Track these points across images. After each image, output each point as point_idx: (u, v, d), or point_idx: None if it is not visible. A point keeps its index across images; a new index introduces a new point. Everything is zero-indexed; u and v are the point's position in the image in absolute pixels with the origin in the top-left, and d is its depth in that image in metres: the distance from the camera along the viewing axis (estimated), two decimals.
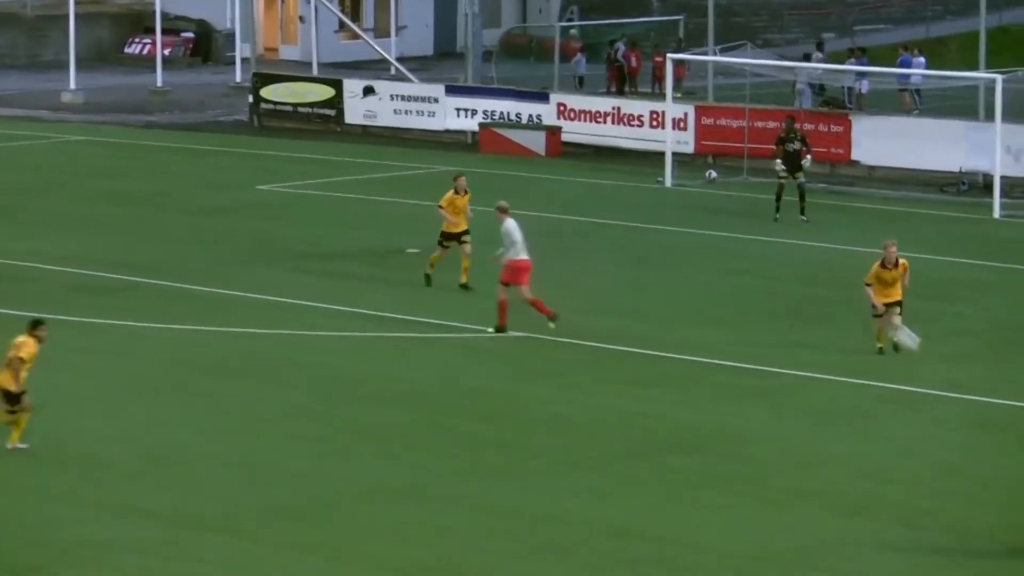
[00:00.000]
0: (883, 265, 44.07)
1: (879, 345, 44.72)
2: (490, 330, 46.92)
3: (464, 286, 50.57)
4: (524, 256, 47.21)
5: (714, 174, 69.87)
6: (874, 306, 44.11)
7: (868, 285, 44.22)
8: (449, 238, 51.13)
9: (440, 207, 51.32)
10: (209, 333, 47.10)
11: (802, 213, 62.58)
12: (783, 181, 62.80)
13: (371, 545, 32.53)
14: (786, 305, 52.00)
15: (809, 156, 63.59)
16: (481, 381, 43.79)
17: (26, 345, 36.81)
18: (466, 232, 51.03)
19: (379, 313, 48.77)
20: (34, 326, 37.30)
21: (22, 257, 54.46)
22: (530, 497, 35.06)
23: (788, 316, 50.78)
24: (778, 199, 62.88)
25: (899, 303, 44.01)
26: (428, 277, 50.98)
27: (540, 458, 37.37)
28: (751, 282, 54.77)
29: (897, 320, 43.11)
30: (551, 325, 46.95)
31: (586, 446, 38.73)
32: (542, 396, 42.51)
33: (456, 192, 51.14)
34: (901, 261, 44.35)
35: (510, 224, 47.72)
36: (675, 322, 49.01)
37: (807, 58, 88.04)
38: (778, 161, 63.14)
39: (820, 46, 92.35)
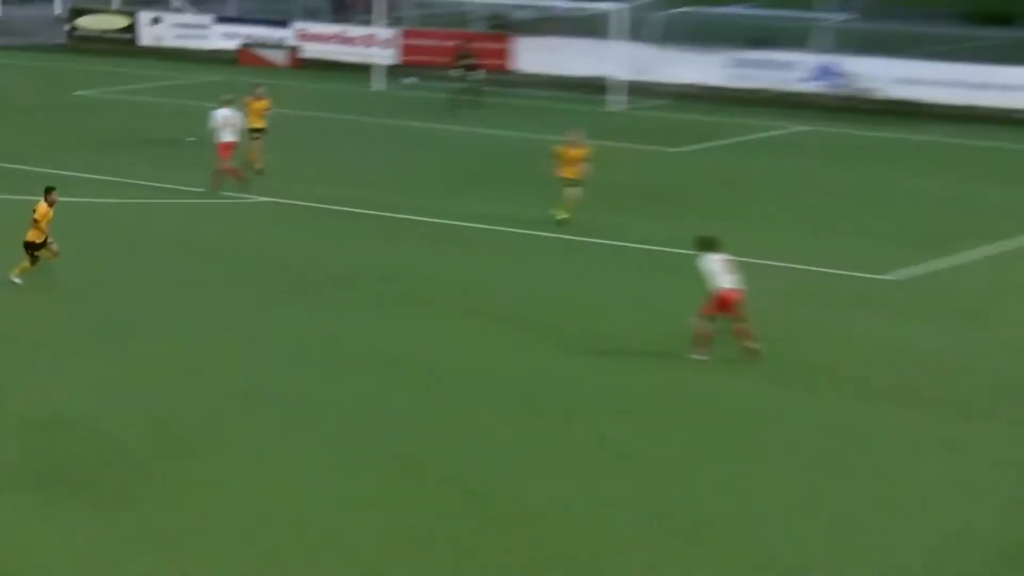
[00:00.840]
0: (566, 148, 43.35)
1: (561, 216, 43.54)
2: (245, 196, 47.15)
3: (259, 171, 49.42)
4: (229, 139, 47.64)
5: (413, 80, 70.87)
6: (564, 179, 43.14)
7: (555, 157, 43.52)
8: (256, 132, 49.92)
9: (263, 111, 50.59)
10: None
11: (474, 107, 63.88)
12: (461, 86, 64.46)
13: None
14: (464, 175, 52.65)
15: (480, 68, 65.27)
16: (231, 231, 44.46)
17: (40, 207, 36.66)
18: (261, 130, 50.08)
19: (171, 186, 48.96)
20: (47, 192, 37.14)
21: None
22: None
23: (466, 183, 50.81)
24: (458, 99, 64.43)
25: (578, 181, 43.15)
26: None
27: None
28: (441, 158, 55.58)
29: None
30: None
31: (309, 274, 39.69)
32: (276, 238, 43.21)
33: (257, 98, 50.55)
34: (582, 148, 43.47)
35: (218, 113, 48.15)
36: (381, 188, 49.50)
37: None
38: (458, 71, 64.82)
39: None
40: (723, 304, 32.08)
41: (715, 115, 64.51)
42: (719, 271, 32.16)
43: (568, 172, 43.22)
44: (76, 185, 48.65)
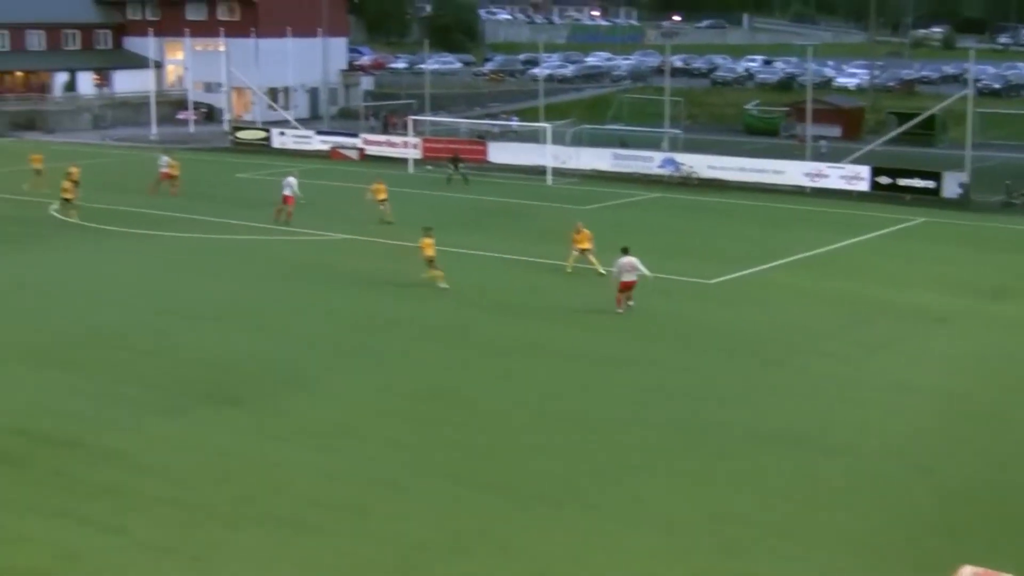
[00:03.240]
0: (577, 231, 39.84)
1: (601, 271, 39.07)
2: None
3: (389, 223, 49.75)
4: (289, 193, 49.83)
5: (429, 167, 70.18)
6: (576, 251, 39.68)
7: (575, 241, 39.89)
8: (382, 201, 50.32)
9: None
10: (207, 239, 47.17)
11: (464, 185, 62.87)
12: (454, 173, 63.78)
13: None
14: (462, 220, 51.50)
15: (464, 162, 65.05)
16: (320, 255, 43.89)
17: (424, 241, 37.36)
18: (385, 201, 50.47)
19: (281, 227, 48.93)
20: (426, 231, 37.70)
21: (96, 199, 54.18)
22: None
23: (458, 227, 48.52)
24: (449, 179, 63.64)
25: (589, 249, 39.48)
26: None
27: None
28: (447, 212, 53.78)
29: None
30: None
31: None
32: (345, 258, 42.99)
33: (379, 183, 51.09)
34: (585, 231, 39.81)
35: (289, 179, 50.31)
36: (411, 229, 48.71)
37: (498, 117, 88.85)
38: (448, 163, 64.75)
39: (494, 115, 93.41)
40: (625, 285, 33.78)
41: (605, 187, 63.54)
42: (625, 267, 33.90)
43: (583, 244, 39.80)
44: (234, 228, 49.02)
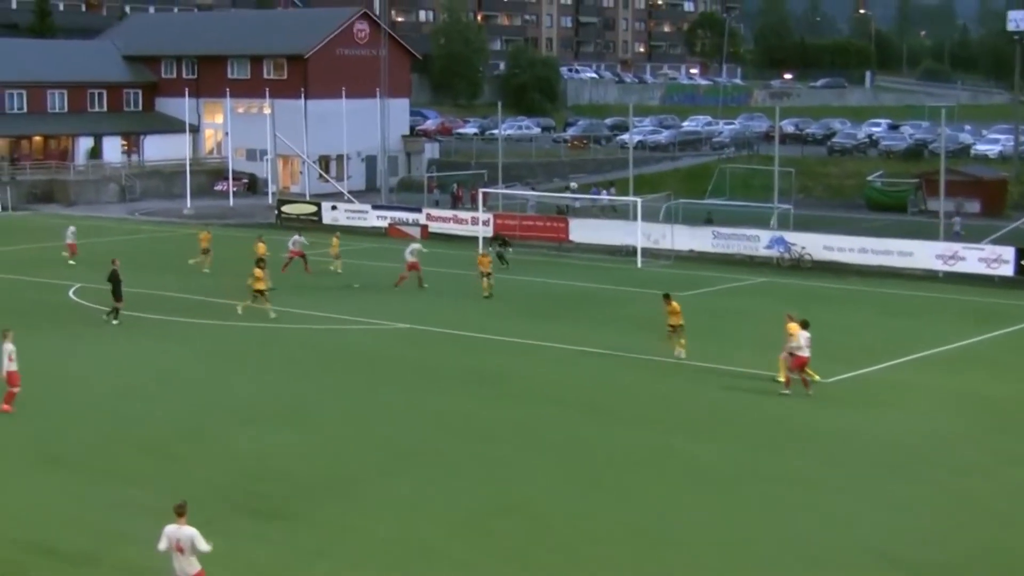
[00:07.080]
0: (792, 319, 37.45)
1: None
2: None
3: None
4: (412, 259, 55.80)
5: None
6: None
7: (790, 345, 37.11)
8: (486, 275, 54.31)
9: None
10: (249, 327, 47.59)
11: (501, 262, 62.32)
12: (500, 252, 63.74)
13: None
14: (538, 307, 52.32)
15: (510, 245, 66.25)
16: (386, 347, 44.54)
17: (672, 307, 40.19)
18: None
19: (345, 316, 49.21)
20: (666, 297, 40.63)
21: (155, 285, 54.37)
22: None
23: (532, 315, 50.28)
24: (502, 259, 63.10)
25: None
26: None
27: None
28: (521, 300, 54.57)
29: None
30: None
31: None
32: (410, 351, 43.85)
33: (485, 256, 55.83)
34: (792, 326, 37.12)
35: (413, 246, 56.01)
36: (488, 318, 49.26)
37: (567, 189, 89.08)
38: (495, 246, 64.87)
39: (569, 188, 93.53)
40: (799, 362, 35.84)
41: (703, 271, 63.67)
42: (804, 344, 35.79)
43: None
44: (280, 316, 49.11)
